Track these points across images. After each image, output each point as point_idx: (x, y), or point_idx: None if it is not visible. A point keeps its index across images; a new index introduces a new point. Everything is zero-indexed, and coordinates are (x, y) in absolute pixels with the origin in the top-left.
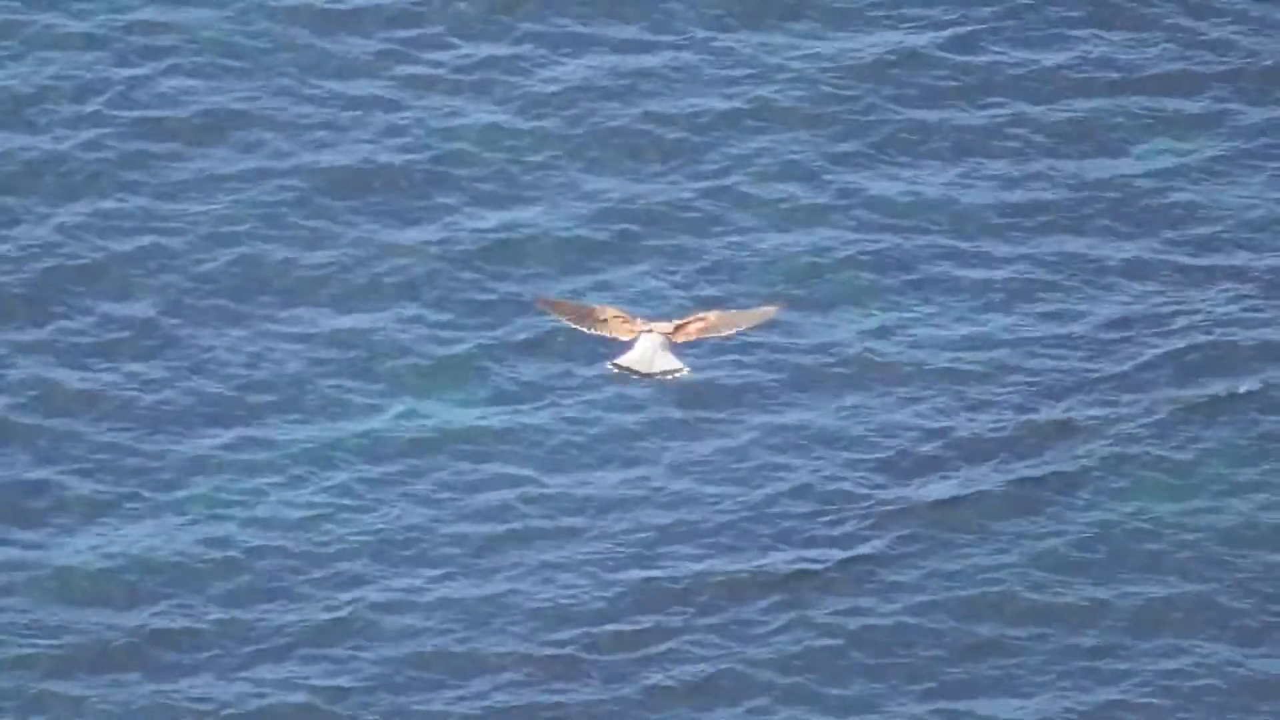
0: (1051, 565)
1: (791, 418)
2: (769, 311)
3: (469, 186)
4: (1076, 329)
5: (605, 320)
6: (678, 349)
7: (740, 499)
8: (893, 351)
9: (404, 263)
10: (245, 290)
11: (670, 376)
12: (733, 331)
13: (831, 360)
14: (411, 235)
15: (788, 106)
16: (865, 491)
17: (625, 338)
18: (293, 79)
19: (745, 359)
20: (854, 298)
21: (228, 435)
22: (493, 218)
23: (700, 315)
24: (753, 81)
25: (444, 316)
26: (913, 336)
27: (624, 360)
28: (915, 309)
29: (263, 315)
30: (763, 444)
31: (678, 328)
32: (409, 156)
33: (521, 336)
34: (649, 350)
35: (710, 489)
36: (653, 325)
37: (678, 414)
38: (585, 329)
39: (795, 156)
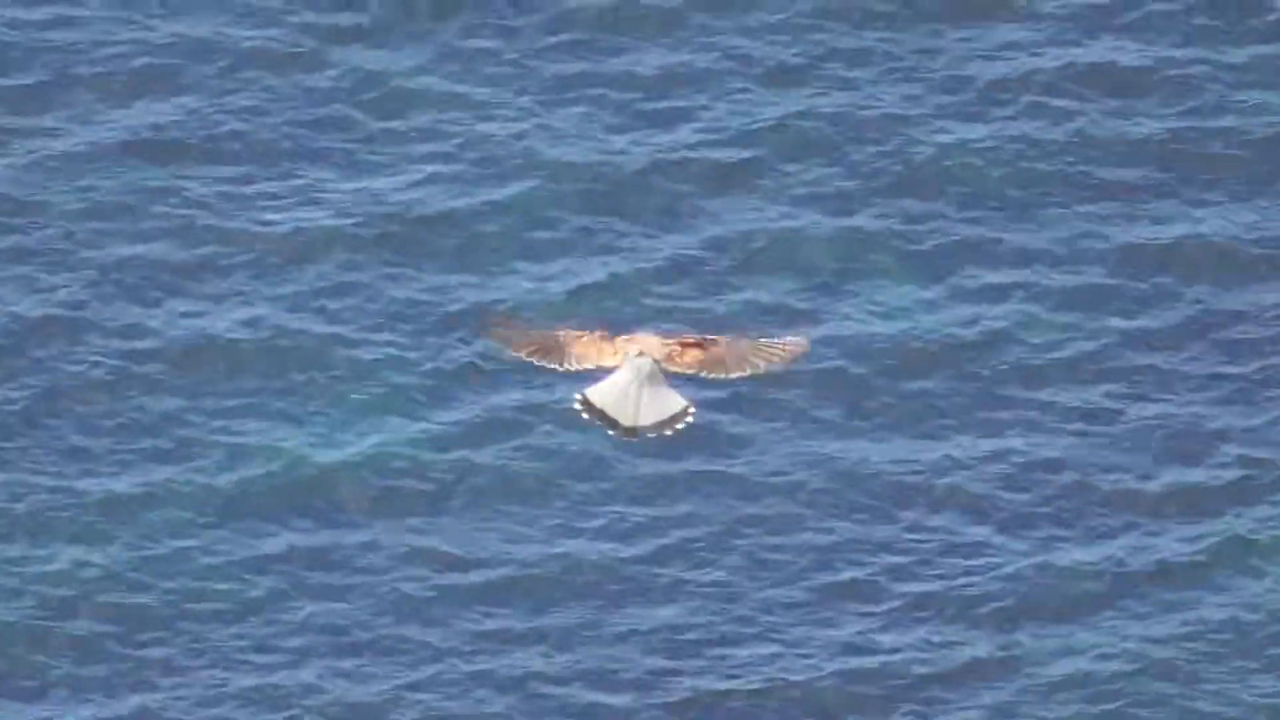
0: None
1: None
2: (799, 345)
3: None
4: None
5: (573, 345)
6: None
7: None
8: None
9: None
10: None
11: (669, 431)
12: (746, 370)
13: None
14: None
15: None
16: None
17: (607, 363)
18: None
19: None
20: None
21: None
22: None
23: (706, 338)
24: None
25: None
26: (1009, 456)
27: (597, 396)
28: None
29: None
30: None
31: (672, 351)
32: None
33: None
34: (635, 384)
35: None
36: (638, 340)
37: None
38: (553, 364)
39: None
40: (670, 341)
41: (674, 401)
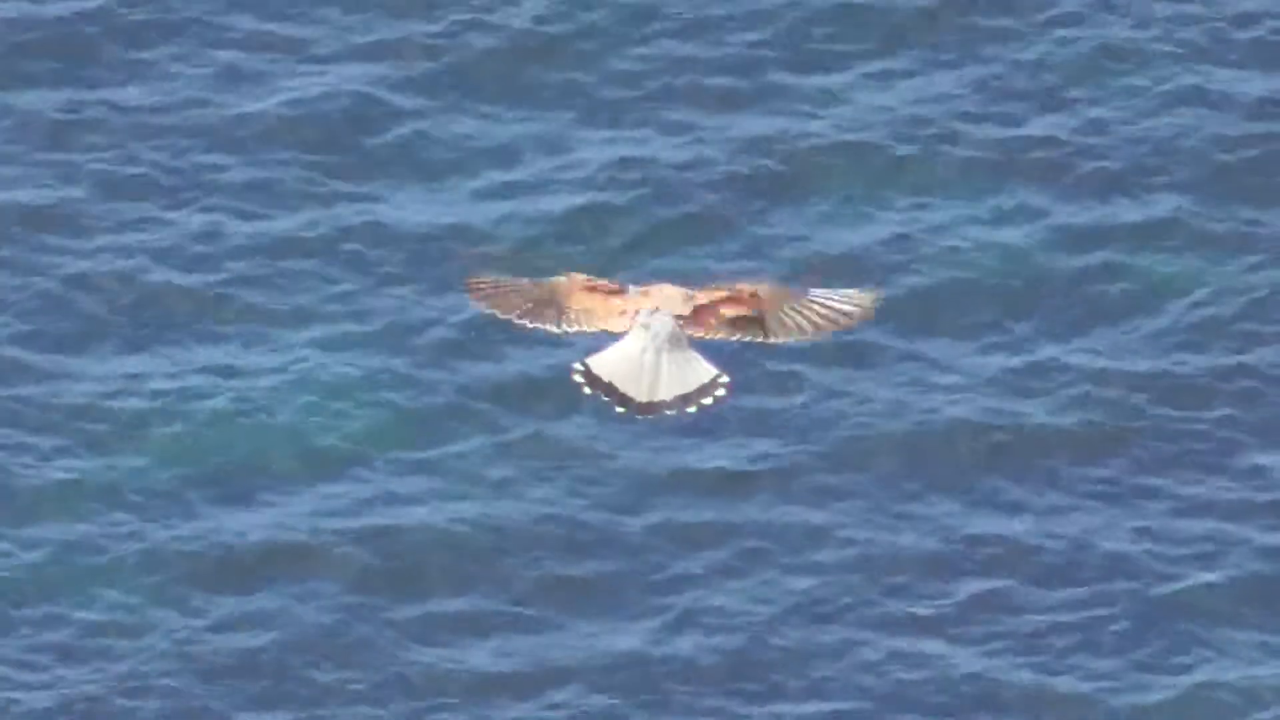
0: None
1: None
2: (864, 302)
3: None
4: None
5: (573, 298)
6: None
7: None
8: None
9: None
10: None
11: (695, 407)
12: (792, 335)
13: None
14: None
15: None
16: None
17: (615, 325)
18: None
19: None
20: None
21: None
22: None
23: (741, 288)
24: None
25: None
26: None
27: (602, 366)
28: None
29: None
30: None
31: (698, 307)
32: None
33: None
34: (651, 349)
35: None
36: (655, 293)
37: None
38: (548, 325)
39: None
40: (696, 295)
41: (702, 370)
